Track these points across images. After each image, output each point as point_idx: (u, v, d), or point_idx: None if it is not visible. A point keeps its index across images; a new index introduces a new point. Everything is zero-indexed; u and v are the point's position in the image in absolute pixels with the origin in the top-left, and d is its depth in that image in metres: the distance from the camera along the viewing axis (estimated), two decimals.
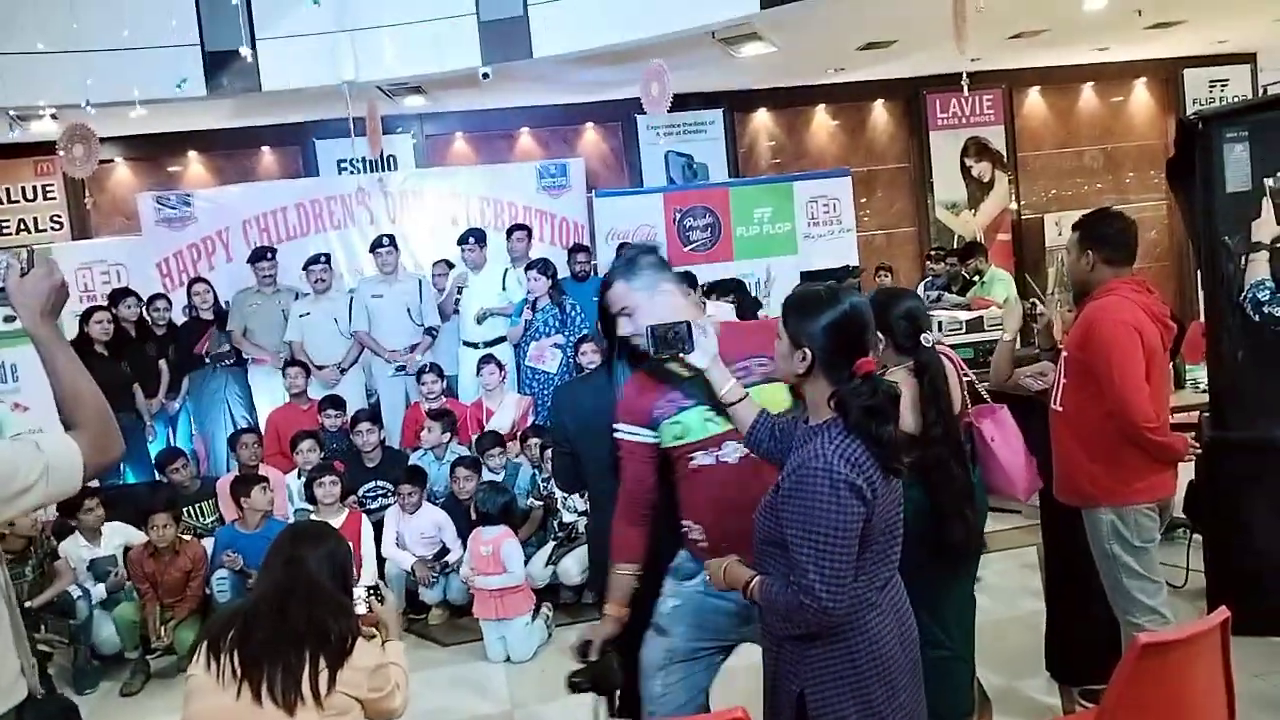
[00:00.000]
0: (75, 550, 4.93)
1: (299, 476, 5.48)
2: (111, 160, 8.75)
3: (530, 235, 7.15)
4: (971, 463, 3.04)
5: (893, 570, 2.09)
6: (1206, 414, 4.13)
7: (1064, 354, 3.19)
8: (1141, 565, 3.05)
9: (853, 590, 1.94)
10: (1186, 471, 3.82)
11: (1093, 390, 2.99)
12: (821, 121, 9.97)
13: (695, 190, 8.64)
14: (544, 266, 6.51)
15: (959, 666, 2.97)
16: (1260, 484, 3.77)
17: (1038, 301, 3.91)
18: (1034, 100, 10.26)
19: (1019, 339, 3.68)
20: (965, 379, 3.23)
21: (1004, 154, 10.07)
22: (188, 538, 5.00)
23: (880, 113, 10.06)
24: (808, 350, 2.02)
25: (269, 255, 6.87)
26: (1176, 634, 2.32)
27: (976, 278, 7.65)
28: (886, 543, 2.04)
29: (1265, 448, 3.75)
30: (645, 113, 7.66)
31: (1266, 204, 3.43)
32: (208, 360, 6.58)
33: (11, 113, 6.88)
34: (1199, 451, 3.26)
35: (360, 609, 2.78)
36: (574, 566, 4.92)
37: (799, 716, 2.03)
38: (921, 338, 2.86)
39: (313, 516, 4.88)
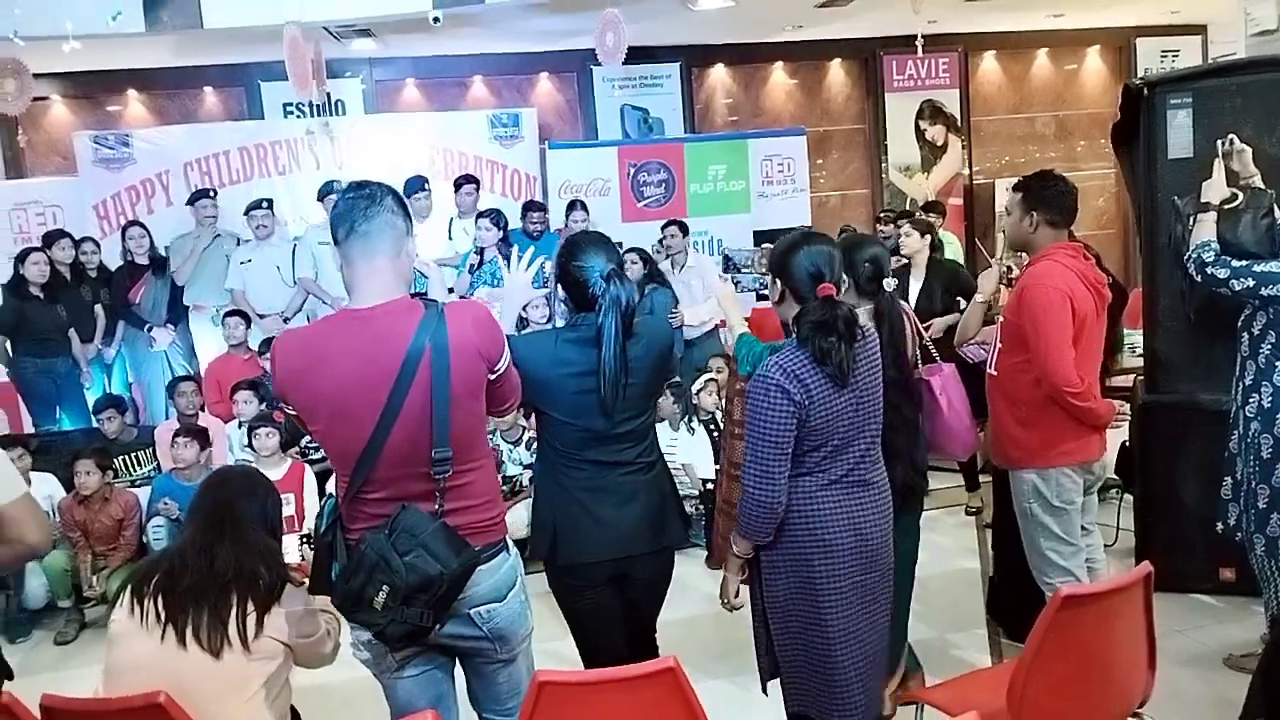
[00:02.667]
0: None
1: (239, 426, 5.39)
2: (47, 98, 8.43)
3: (479, 187, 7.03)
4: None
5: (853, 472, 2.37)
6: (1141, 378, 4.21)
7: (1000, 319, 3.23)
8: (1059, 527, 3.12)
9: (783, 484, 2.29)
10: (1121, 433, 3.91)
11: (1024, 355, 3.03)
12: (779, 80, 9.91)
13: (650, 145, 8.56)
14: (496, 217, 6.41)
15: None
16: (1188, 446, 3.87)
17: (1014, 266, 3.94)
18: (989, 65, 10.28)
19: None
20: (919, 336, 3.27)
21: (958, 118, 10.10)
22: (119, 486, 4.90)
23: (837, 72, 10.02)
24: (779, 280, 2.41)
25: (210, 195, 6.70)
26: (1097, 587, 2.37)
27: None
28: (840, 446, 2.34)
29: (1194, 410, 3.84)
30: (601, 64, 7.55)
31: (1218, 165, 3.46)
32: (145, 322, 6.42)
33: None
34: (1127, 418, 3.32)
35: (293, 558, 2.75)
36: (520, 518, 4.91)
37: (758, 573, 2.44)
38: (884, 283, 2.94)
39: (254, 466, 4.81)
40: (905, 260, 5.12)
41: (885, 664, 2.55)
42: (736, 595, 2.54)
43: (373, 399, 2.03)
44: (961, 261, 7.15)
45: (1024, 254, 3.47)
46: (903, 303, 3.24)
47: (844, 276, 2.45)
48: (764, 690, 2.55)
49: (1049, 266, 3.03)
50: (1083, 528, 3.24)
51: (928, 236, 5.21)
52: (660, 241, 6.83)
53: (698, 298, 6.55)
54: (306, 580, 2.38)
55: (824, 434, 2.31)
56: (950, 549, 4.86)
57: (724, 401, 2.74)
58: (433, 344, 2.04)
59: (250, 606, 2.21)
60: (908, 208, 9.22)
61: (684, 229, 6.77)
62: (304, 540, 2.71)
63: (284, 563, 2.36)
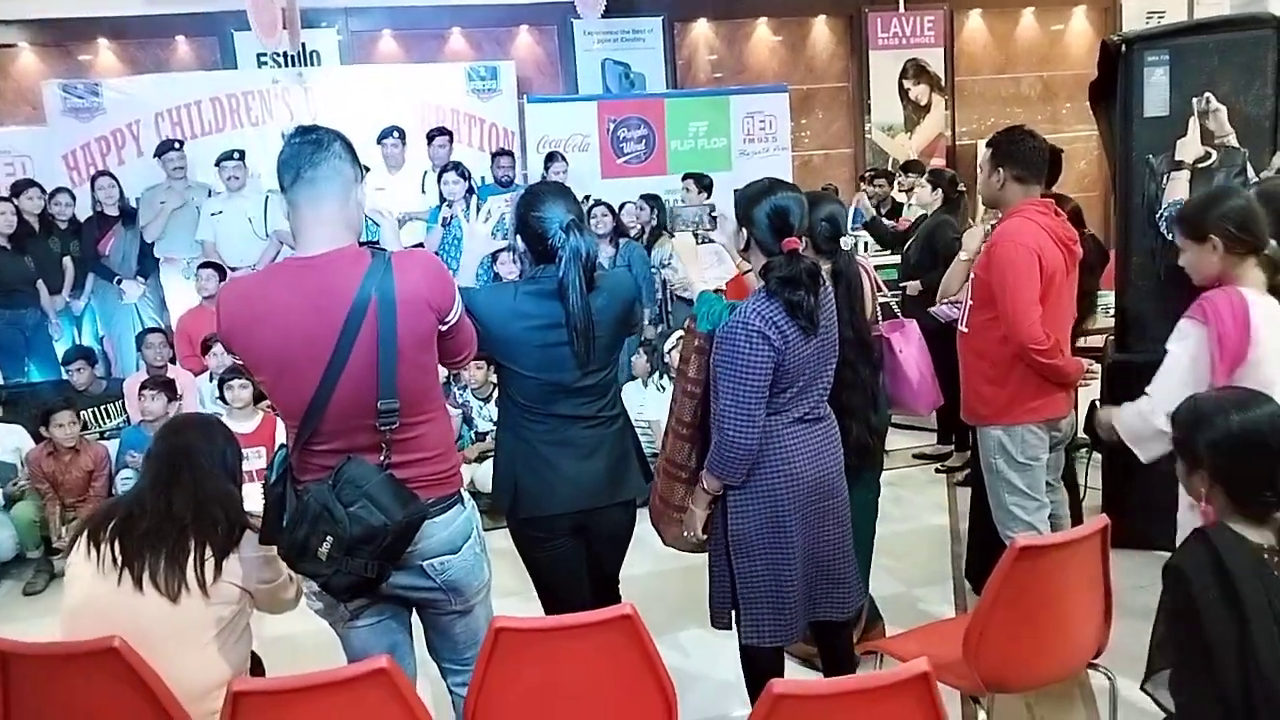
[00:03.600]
0: None
1: (210, 379, 5.35)
2: (14, 45, 8.25)
3: (451, 140, 6.94)
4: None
5: (812, 410, 2.51)
6: (1112, 337, 4.22)
7: (972, 276, 3.22)
8: (1023, 482, 3.13)
9: (759, 426, 2.38)
10: (1093, 392, 3.92)
11: (993, 312, 3.03)
12: (762, 35, 9.80)
13: (631, 100, 8.47)
14: (462, 169, 6.32)
15: None
16: None
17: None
18: (974, 24, 10.19)
19: None
20: (879, 295, 3.27)
21: (942, 78, 10.03)
22: (89, 438, 4.86)
23: (822, 29, 9.91)
24: (744, 230, 2.49)
25: (176, 146, 6.59)
26: (1054, 538, 2.39)
27: (905, 196, 7.65)
28: (804, 387, 2.46)
29: None
30: (580, 17, 7.44)
31: (1193, 123, 3.45)
32: (115, 274, 6.34)
33: None
34: (1096, 376, 3.33)
35: (256, 506, 2.74)
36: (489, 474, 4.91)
37: (724, 512, 2.52)
38: (840, 241, 2.99)
39: (224, 419, 4.77)
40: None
41: (840, 592, 2.63)
42: (705, 530, 2.59)
43: (317, 351, 2.00)
44: None
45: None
46: (861, 259, 3.31)
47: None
48: (714, 625, 2.63)
49: (1018, 223, 3.01)
50: (1048, 484, 3.26)
51: (939, 190, 5.20)
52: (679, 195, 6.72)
53: (706, 259, 6.42)
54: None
55: (793, 377, 2.43)
56: (921, 505, 4.90)
57: (679, 361, 2.71)
58: (379, 294, 2.00)
59: (208, 552, 2.21)
60: (889, 168, 9.17)
61: (701, 184, 6.58)
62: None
63: (243, 509, 2.35)
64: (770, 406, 2.42)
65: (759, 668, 2.60)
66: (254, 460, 4.54)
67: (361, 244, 2.14)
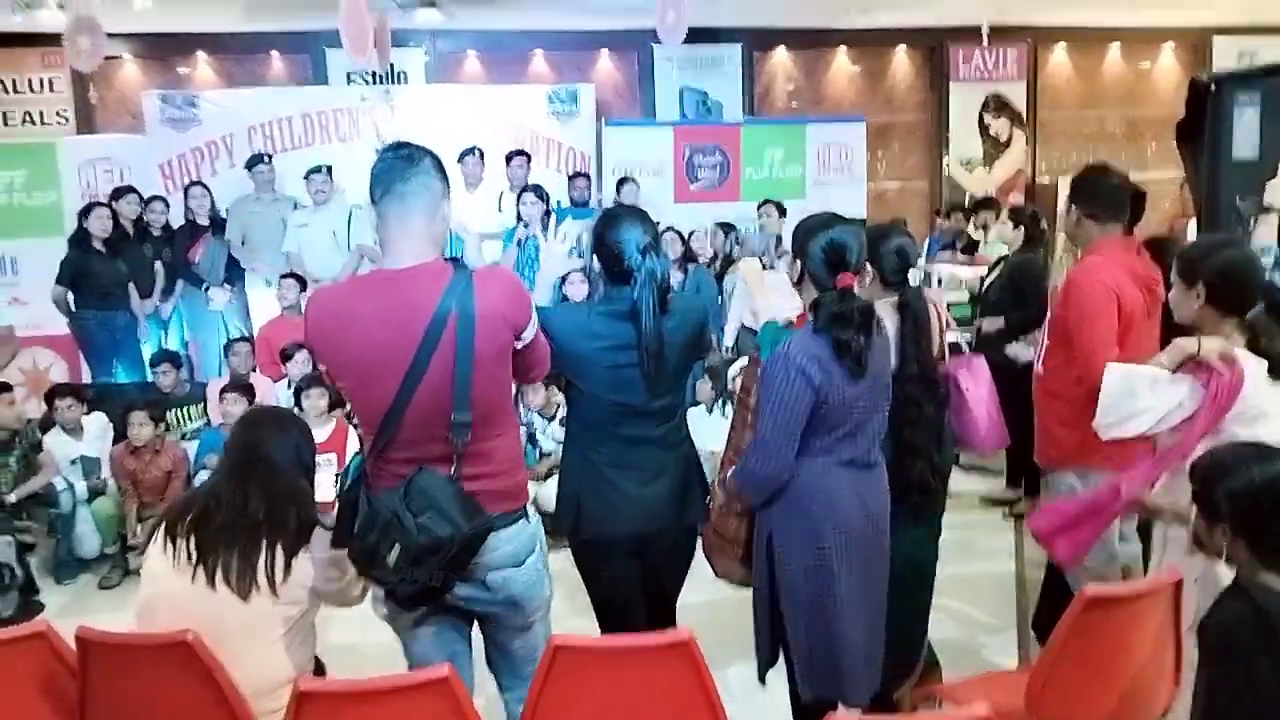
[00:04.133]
0: (60, 444, 4.97)
1: (288, 387, 5.49)
2: (119, 57, 8.64)
3: (529, 161, 7.07)
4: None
5: (862, 455, 2.42)
6: None
7: (1049, 315, 3.16)
8: None
9: (787, 462, 2.33)
10: None
11: (1069, 352, 2.97)
12: (841, 65, 9.79)
13: (707, 127, 8.53)
14: (540, 191, 6.44)
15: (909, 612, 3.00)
16: None
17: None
18: (1058, 59, 10.05)
19: None
20: (948, 331, 3.21)
21: (1024, 113, 9.90)
22: (170, 439, 5.03)
23: (901, 60, 9.87)
24: (800, 262, 2.43)
25: (265, 160, 6.83)
26: (1124, 589, 2.33)
27: (981, 233, 7.55)
28: (853, 430, 2.39)
29: None
30: (661, 42, 7.52)
31: None
32: (204, 281, 6.56)
33: None
34: None
35: (328, 495, 2.81)
36: (552, 493, 4.95)
37: (769, 555, 2.44)
38: (909, 274, 2.88)
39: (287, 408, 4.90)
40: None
41: (883, 642, 2.56)
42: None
43: (397, 362, 2.05)
44: None
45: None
46: (930, 293, 3.21)
47: (868, 267, 2.46)
48: (761, 680, 2.57)
49: (1096, 261, 2.96)
50: (1121, 534, 3.17)
51: (1021, 228, 5.12)
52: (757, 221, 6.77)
53: (781, 288, 6.39)
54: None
55: (839, 418, 2.36)
56: (988, 550, 4.80)
57: (739, 390, 2.70)
58: (459, 309, 2.05)
59: (279, 551, 2.26)
60: (965, 203, 9.07)
61: (781, 209, 6.64)
62: (339, 480, 2.75)
63: (314, 505, 2.40)
64: (815, 446, 2.37)
65: (810, 713, 2.53)
66: (325, 468, 4.65)
67: (445, 259, 2.20)
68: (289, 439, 2.42)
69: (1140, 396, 2.50)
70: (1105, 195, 3.00)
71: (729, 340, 6.12)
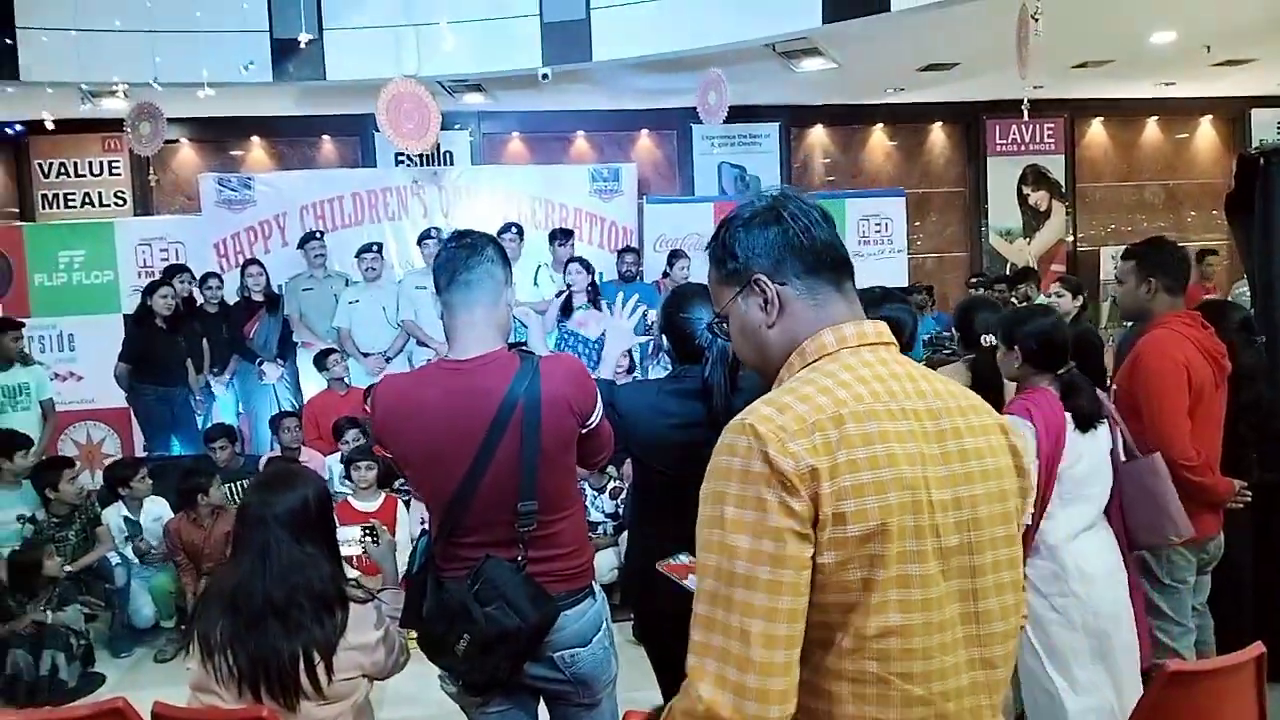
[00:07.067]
0: (117, 518, 5.04)
1: (340, 460, 5.55)
2: (177, 140, 8.96)
3: (571, 238, 7.25)
4: None
5: None
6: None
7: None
8: (1169, 606, 3.00)
9: None
10: None
11: (1137, 426, 2.94)
12: (878, 140, 9.93)
13: None
14: (585, 263, 6.61)
15: None
16: None
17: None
18: (1096, 131, 10.13)
19: None
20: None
21: (1062, 184, 9.95)
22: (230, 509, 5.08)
23: (938, 135, 9.99)
24: None
25: (318, 236, 7.02)
26: (1206, 665, 2.28)
27: (1025, 304, 7.54)
28: None
29: None
30: (701, 122, 7.71)
31: None
32: (258, 356, 6.69)
33: (84, 87, 7.07)
34: (1248, 499, 3.18)
35: (354, 550, 2.77)
36: (602, 563, 4.93)
37: None
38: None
39: (349, 499, 4.94)
40: None
41: None
42: None
43: (465, 450, 2.07)
44: None
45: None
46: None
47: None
48: None
49: (1165, 334, 2.95)
50: (1194, 609, 3.11)
51: (1080, 297, 5.14)
52: None
53: None
54: (366, 594, 2.36)
55: None
56: None
57: None
58: (525, 398, 2.07)
59: (316, 657, 2.18)
60: (1006, 273, 9.08)
61: None
62: (366, 533, 2.68)
63: (339, 577, 2.32)
64: None
65: None
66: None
67: (510, 345, 2.24)
68: (293, 494, 2.29)
69: None
70: (1174, 266, 3.02)
71: None
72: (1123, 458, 2.82)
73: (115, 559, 4.91)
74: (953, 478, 1.24)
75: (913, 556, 1.19)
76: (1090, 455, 2.70)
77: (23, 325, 6.01)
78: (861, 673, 1.19)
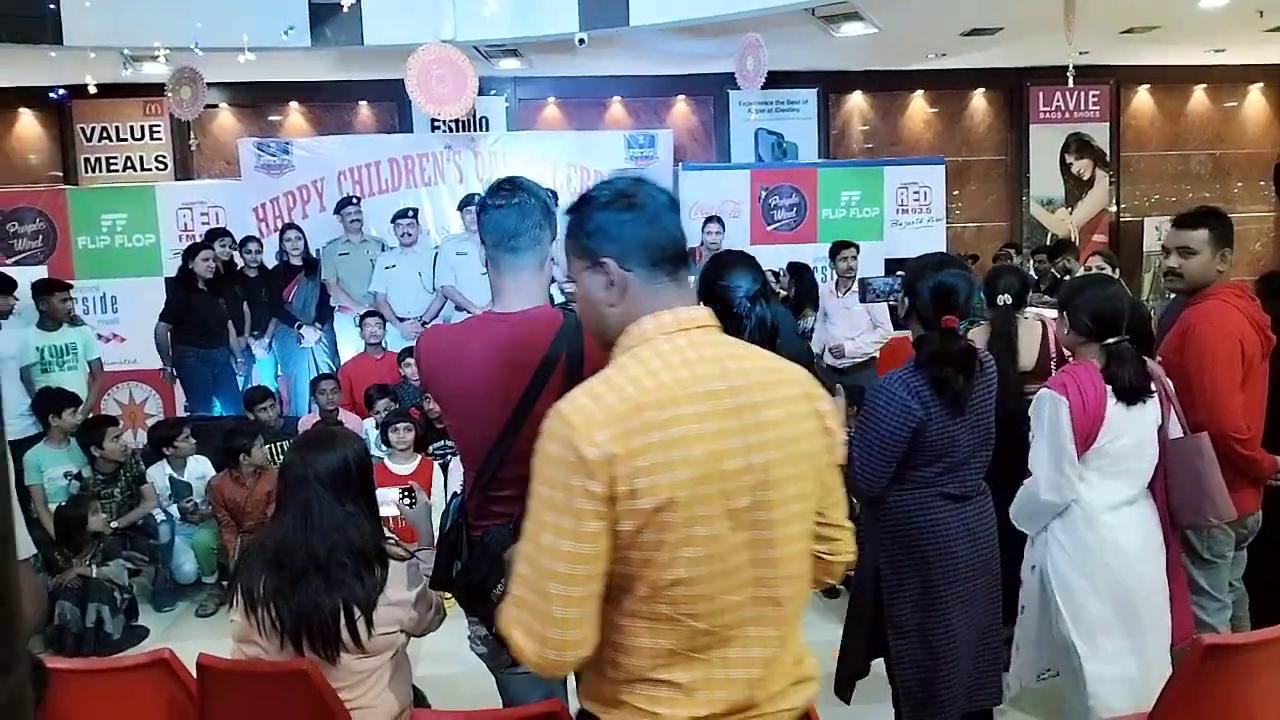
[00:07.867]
0: (161, 477, 5.15)
1: (375, 426, 5.62)
2: (216, 105, 9.02)
3: None
4: None
5: (968, 491, 2.55)
6: None
7: (1159, 359, 3.09)
8: (1206, 580, 2.97)
9: (883, 479, 2.49)
10: None
11: (1184, 399, 2.90)
12: (918, 107, 9.78)
13: (783, 169, 8.56)
14: None
15: None
16: None
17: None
18: (1142, 99, 9.91)
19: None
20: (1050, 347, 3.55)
21: (1106, 153, 9.76)
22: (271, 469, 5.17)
23: (980, 102, 9.83)
24: (908, 299, 2.59)
25: (354, 201, 7.07)
26: (1243, 638, 2.27)
27: (1066, 277, 7.44)
28: (954, 464, 2.51)
29: None
30: (738, 88, 7.62)
31: None
32: (296, 319, 6.77)
33: (125, 52, 7.13)
34: None
35: (393, 510, 2.81)
36: None
37: (876, 584, 2.56)
38: (998, 299, 3.38)
39: (386, 462, 5.01)
40: None
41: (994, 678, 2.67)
42: None
43: (504, 400, 2.09)
44: None
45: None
46: (1044, 313, 3.58)
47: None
48: (847, 699, 2.66)
49: (1218, 306, 2.89)
50: (1230, 584, 3.08)
51: (1116, 270, 5.15)
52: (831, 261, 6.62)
53: (860, 325, 6.15)
54: (406, 552, 2.41)
55: (939, 451, 2.48)
56: None
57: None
58: (568, 352, 2.09)
59: (357, 612, 2.23)
60: (1047, 243, 8.95)
61: (856, 248, 6.50)
62: (404, 494, 2.71)
63: (379, 534, 2.36)
64: (919, 479, 2.49)
65: None
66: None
67: (554, 305, 2.25)
68: (333, 455, 2.34)
69: (1035, 474, 2.68)
70: (1232, 237, 2.96)
71: None
72: (1175, 433, 2.77)
73: (160, 516, 5.02)
74: (748, 447, 1.42)
75: (700, 520, 1.38)
76: (1134, 431, 2.66)
77: (71, 287, 6.12)
78: (655, 613, 1.41)
